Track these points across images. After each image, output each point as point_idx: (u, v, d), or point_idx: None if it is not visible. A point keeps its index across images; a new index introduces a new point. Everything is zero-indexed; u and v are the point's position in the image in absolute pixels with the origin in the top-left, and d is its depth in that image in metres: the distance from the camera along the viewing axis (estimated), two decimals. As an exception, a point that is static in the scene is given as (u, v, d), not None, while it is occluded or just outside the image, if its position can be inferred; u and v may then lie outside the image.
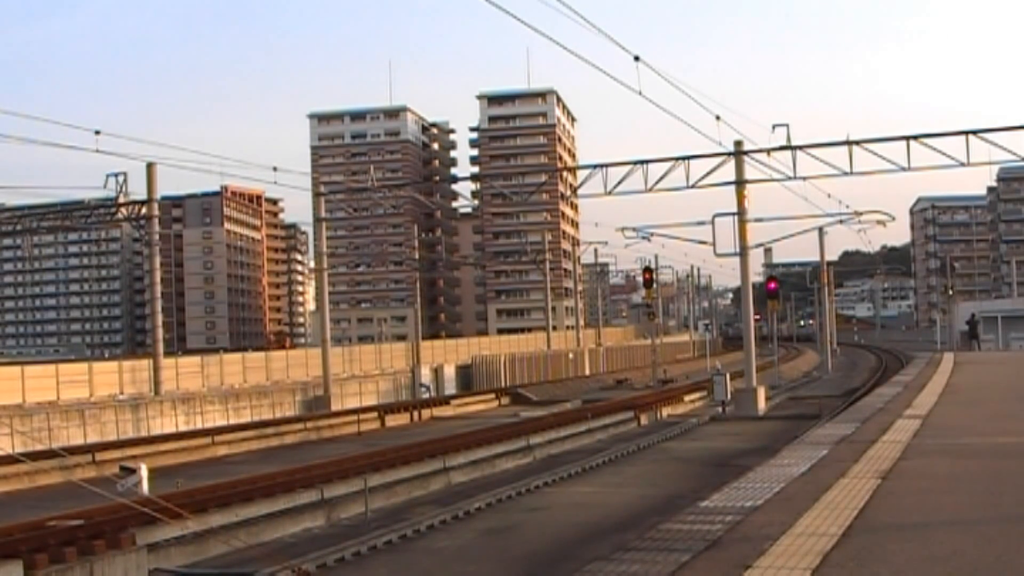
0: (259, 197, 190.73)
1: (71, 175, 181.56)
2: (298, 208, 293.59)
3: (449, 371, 58.78)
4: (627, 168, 35.47)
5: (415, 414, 43.05)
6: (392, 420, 41.12)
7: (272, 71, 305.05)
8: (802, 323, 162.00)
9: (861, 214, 44.31)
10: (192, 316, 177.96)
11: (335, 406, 44.80)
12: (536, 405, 47.98)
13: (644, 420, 36.38)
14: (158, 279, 44.24)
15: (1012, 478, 12.23)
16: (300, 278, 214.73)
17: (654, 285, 60.82)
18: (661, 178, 35.03)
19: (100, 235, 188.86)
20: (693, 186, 34.63)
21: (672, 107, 30.12)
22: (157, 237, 43.38)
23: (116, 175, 40.91)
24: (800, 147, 33.53)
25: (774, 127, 33.53)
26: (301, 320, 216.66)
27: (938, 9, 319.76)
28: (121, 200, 41.76)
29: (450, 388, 57.00)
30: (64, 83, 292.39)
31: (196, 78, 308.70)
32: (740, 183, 34.68)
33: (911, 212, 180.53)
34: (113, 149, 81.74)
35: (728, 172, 34.68)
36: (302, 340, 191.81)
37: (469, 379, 59.73)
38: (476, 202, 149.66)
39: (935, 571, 7.78)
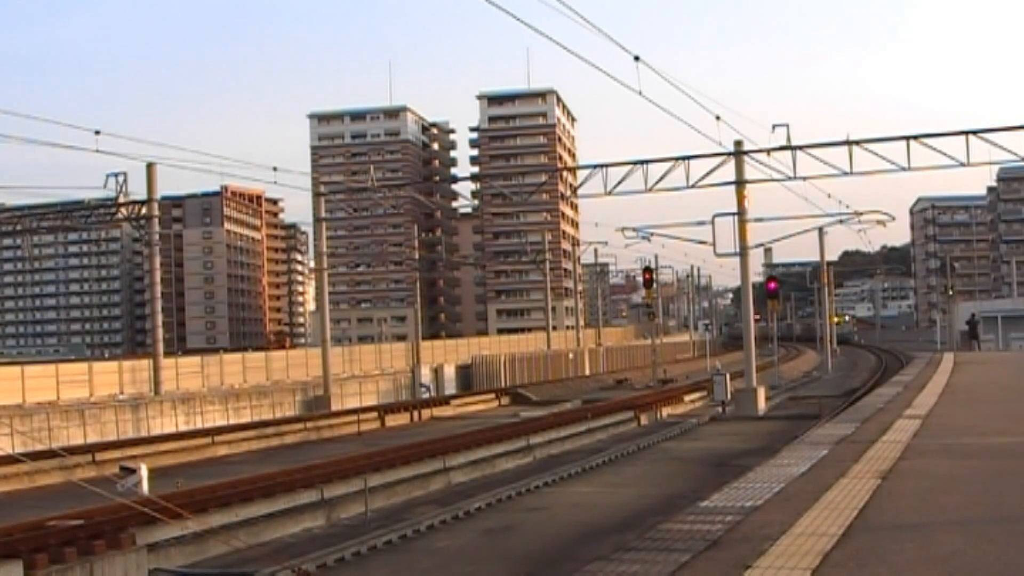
0: (259, 197, 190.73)
1: (71, 175, 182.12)
2: (298, 208, 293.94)
3: (449, 371, 58.77)
4: (627, 168, 35.49)
5: (415, 414, 43.04)
6: (392, 420, 41.11)
7: (272, 71, 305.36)
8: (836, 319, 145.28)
9: (861, 214, 44.34)
10: (192, 316, 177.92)
11: (335, 406, 44.79)
12: (536, 405, 47.97)
13: (644, 420, 36.36)
14: (158, 279, 44.22)
15: (1012, 478, 12.24)
16: (300, 278, 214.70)
17: (654, 285, 60.84)
18: (661, 178, 35.09)
19: (100, 235, 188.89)
20: (693, 186, 34.65)
21: (672, 107, 30.15)
22: (157, 237, 43.36)
23: (116, 175, 40.93)
24: (800, 147, 33.55)
25: (774, 127, 33.59)
26: (301, 320, 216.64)
27: (938, 9, 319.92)
28: (121, 200, 41.74)
29: (450, 388, 57.00)
30: (64, 83, 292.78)
31: (196, 78, 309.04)
32: (740, 183, 34.68)
33: (911, 212, 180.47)
34: (113, 149, 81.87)
35: (728, 172, 34.74)
36: (302, 340, 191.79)
37: (469, 379, 59.72)
38: (476, 202, 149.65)
39: (935, 571, 7.78)
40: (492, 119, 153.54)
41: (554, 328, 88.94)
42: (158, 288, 44.31)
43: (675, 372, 67.85)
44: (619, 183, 35.42)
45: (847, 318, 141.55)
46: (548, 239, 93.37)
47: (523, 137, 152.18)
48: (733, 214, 35.02)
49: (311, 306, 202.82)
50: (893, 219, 45.18)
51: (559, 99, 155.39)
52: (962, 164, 31.69)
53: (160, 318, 44.00)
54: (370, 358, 57.75)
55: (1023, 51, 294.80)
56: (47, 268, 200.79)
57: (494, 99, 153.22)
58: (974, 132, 31.62)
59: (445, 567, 14.35)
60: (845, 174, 33.09)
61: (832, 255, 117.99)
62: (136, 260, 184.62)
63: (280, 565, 13.23)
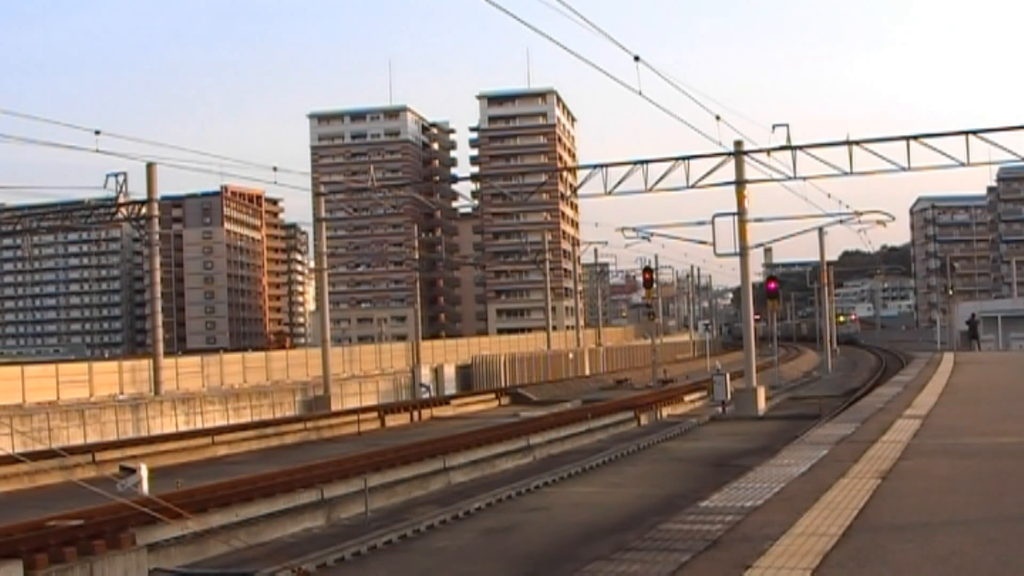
0: (259, 197, 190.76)
1: (71, 175, 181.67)
2: (298, 208, 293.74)
3: (449, 371, 58.75)
4: (627, 168, 35.48)
5: (415, 414, 43.03)
6: (392, 420, 41.11)
7: (272, 71, 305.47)
8: (841, 318, 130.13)
9: (861, 214, 44.33)
10: (192, 316, 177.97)
11: (335, 406, 44.79)
12: (536, 405, 47.96)
13: (644, 420, 36.37)
14: (158, 279, 44.20)
15: (1012, 478, 12.24)
16: (300, 278, 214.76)
17: (654, 285, 60.81)
18: (661, 178, 35.08)
19: (100, 235, 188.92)
20: (693, 186, 34.65)
21: (672, 107, 30.16)
22: (157, 237, 43.34)
23: (116, 175, 40.94)
24: (800, 147, 33.54)
25: (774, 127, 33.57)
26: (301, 320, 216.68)
27: (938, 9, 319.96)
28: (121, 200, 41.74)
29: (450, 388, 56.98)
30: (64, 83, 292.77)
31: (196, 78, 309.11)
32: (740, 183, 34.67)
33: (911, 212, 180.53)
34: (113, 149, 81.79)
35: (728, 172, 34.73)
36: (302, 340, 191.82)
37: (469, 379, 59.71)
38: (476, 202, 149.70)
39: (935, 571, 7.78)
40: (492, 119, 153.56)
41: (554, 328, 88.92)
42: (158, 288, 44.29)
43: (675, 372, 67.83)
44: (619, 183, 35.44)
45: (852, 317, 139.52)
46: (548, 239, 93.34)
47: (523, 137, 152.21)
48: (733, 214, 35.01)
49: (311, 306, 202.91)
50: (893, 219, 45.21)
51: (559, 99, 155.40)
52: (962, 164, 31.68)
53: (160, 318, 43.99)
54: (370, 358, 57.74)
55: (1023, 51, 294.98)
56: (47, 268, 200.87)
57: (494, 99, 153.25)
58: (974, 132, 31.61)
59: (445, 567, 14.35)
60: (845, 174, 33.10)
61: (832, 255, 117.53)
62: (136, 260, 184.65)
63: (280, 565, 13.23)
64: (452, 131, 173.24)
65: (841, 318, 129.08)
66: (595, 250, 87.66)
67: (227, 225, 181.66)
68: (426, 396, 51.77)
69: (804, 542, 8.73)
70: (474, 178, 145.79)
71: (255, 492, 19.14)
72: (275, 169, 40.98)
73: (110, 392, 39.67)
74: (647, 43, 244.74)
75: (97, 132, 33.15)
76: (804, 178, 35.00)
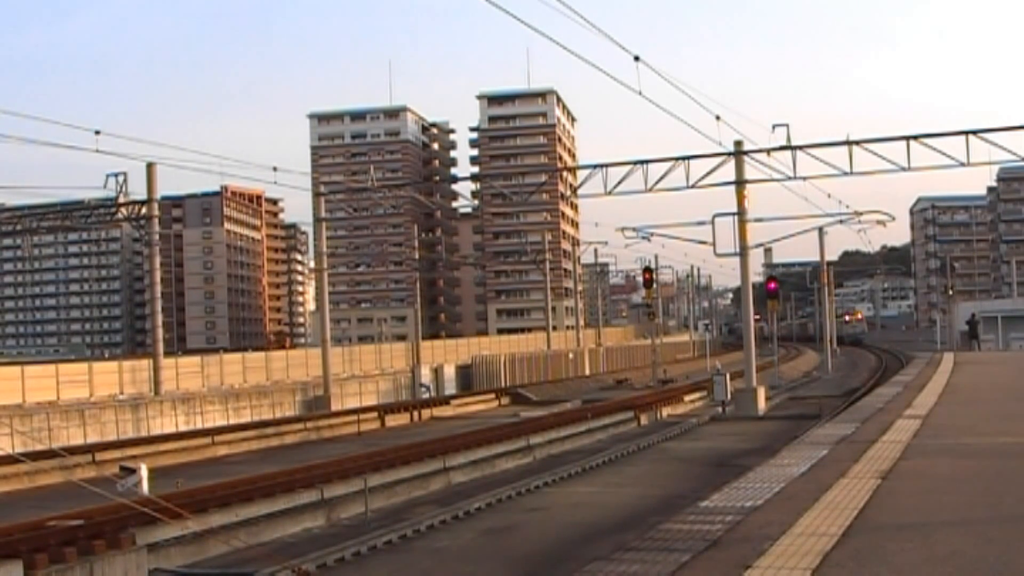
0: (259, 197, 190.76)
1: (71, 175, 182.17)
2: (298, 208, 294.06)
3: (449, 371, 58.75)
4: (627, 168, 35.49)
5: (415, 414, 43.03)
6: (392, 420, 41.11)
7: (272, 71, 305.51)
8: (846, 317, 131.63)
9: (861, 214, 44.35)
10: (192, 316, 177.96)
11: (335, 406, 44.79)
12: (536, 405, 47.95)
13: (644, 420, 36.36)
14: (158, 279, 44.20)
15: (1012, 478, 12.24)
16: (300, 278, 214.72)
17: (654, 285, 60.82)
18: (661, 178, 35.10)
19: (100, 235, 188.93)
20: (693, 186, 34.65)
21: (672, 107, 30.15)
22: (157, 237, 43.33)
23: (116, 175, 40.93)
24: (800, 147, 33.54)
25: (774, 127, 33.58)
26: (301, 320, 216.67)
27: (938, 9, 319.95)
28: (121, 200, 41.73)
29: (450, 388, 56.98)
30: (64, 83, 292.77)
31: (196, 78, 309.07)
32: (740, 183, 34.68)
33: (911, 212, 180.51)
34: (113, 149, 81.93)
35: (728, 172, 34.74)
36: (302, 340, 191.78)
37: (469, 379, 59.70)
38: (476, 202, 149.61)
39: (935, 571, 7.78)
40: (492, 119, 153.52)
41: (554, 328, 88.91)
42: (158, 288, 44.29)
43: (675, 372, 67.82)
44: (619, 183, 35.44)
45: (858, 317, 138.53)
46: (548, 239, 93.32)
47: (523, 137, 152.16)
48: (733, 214, 35.01)
49: (311, 306, 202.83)
50: (893, 219, 45.27)
51: (559, 99, 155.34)
52: (962, 164, 31.68)
53: (160, 318, 43.98)
54: (370, 358, 57.72)
55: (1023, 51, 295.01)
56: (47, 268, 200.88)
57: (494, 99, 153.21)
58: (974, 132, 31.62)
59: (445, 567, 14.34)
60: (845, 174, 33.10)
61: (832, 255, 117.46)
62: (136, 260, 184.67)
63: (280, 565, 13.23)
64: (452, 131, 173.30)
65: (847, 317, 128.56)
66: (595, 250, 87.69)
67: (227, 225, 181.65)
68: (426, 396, 51.76)
69: (804, 542, 8.73)
70: (474, 178, 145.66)
71: (255, 492, 19.14)
72: (275, 169, 41.01)
73: (110, 392, 39.67)
74: (647, 43, 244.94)
75: (97, 132, 33.20)
76: (804, 178, 35.04)
